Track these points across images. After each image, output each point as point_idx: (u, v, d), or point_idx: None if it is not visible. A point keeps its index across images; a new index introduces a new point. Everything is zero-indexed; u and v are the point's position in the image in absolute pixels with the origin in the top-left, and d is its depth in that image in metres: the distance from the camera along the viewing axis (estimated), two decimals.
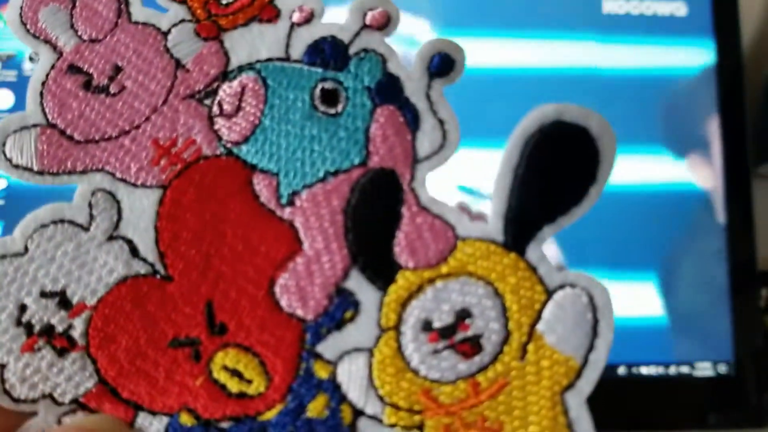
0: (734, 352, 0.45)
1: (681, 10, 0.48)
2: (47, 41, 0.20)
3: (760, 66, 0.53)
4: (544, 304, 0.17)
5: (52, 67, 0.20)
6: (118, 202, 0.19)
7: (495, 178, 0.17)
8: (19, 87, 0.47)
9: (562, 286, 0.17)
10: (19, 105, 0.46)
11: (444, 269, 0.17)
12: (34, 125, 0.19)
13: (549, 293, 0.17)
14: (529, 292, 0.17)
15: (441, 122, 0.18)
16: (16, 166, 0.19)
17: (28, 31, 0.20)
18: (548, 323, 0.17)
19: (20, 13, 0.20)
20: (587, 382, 0.16)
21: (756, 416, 0.44)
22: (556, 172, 0.17)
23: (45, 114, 0.19)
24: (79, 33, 0.20)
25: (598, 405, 0.17)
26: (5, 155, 0.19)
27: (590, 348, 0.17)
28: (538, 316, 0.17)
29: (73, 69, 0.20)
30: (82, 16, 0.20)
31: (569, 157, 0.16)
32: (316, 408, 0.17)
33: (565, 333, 0.17)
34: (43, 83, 0.19)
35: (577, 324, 0.16)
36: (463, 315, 0.17)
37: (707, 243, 0.45)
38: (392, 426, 0.17)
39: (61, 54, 0.20)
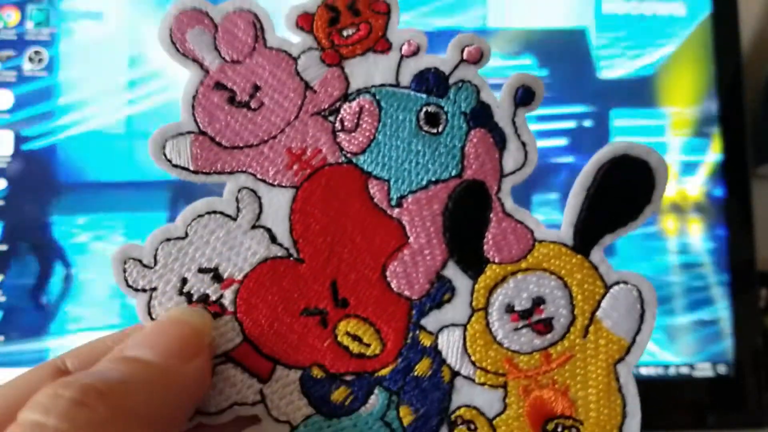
0: (734, 352, 0.45)
1: (681, 10, 0.48)
2: (195, 60, 0.24)
3: (760, 66, 0.53)
4: (603, 296, 0.21)
5: (201, 83, 0.24)
6: (259, 198, 0.23)
7: (570, 194, 0.22)
8: (18, 87, 0.46)
9: (617, 282, 0.21)
10: (19, 105, 0.45)
11: (523, 264, 0.22)
12: (188, 132, 0.23)
13: (607, 287, 0.21)
14: (592, 286, 0.21)
15: (524, 144, 0.23)
16: (176, 166, 0.23)
17: (177, 50, 0.24)
18: (605, 311, 0.21)
19: (170, 34, 0.24)
20: (634, 357, 0.21)
21: (755, 417, 0.44)
22: (620, 193, 0.21)
23: (197, 123, 0.23)
24: (222, 54, 0.24)
25: None
26: (166, 157, 0.23)
27: (638, 331, 0.21)
28: (597, 305, 0.21)
29: (219, 86, 0.24)
30: (225, 40, 0.24)
31: (632, 182, 0.21)
32: (421, 368, 0.22)
33: (619, 319, 0.21)
34: (194, 97, 0.24)
35: (629, 312, 0.21)
36: (538, 302, 0.22)
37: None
38: (482, 384, 0.22)
39: (207, 72, 0.24)
